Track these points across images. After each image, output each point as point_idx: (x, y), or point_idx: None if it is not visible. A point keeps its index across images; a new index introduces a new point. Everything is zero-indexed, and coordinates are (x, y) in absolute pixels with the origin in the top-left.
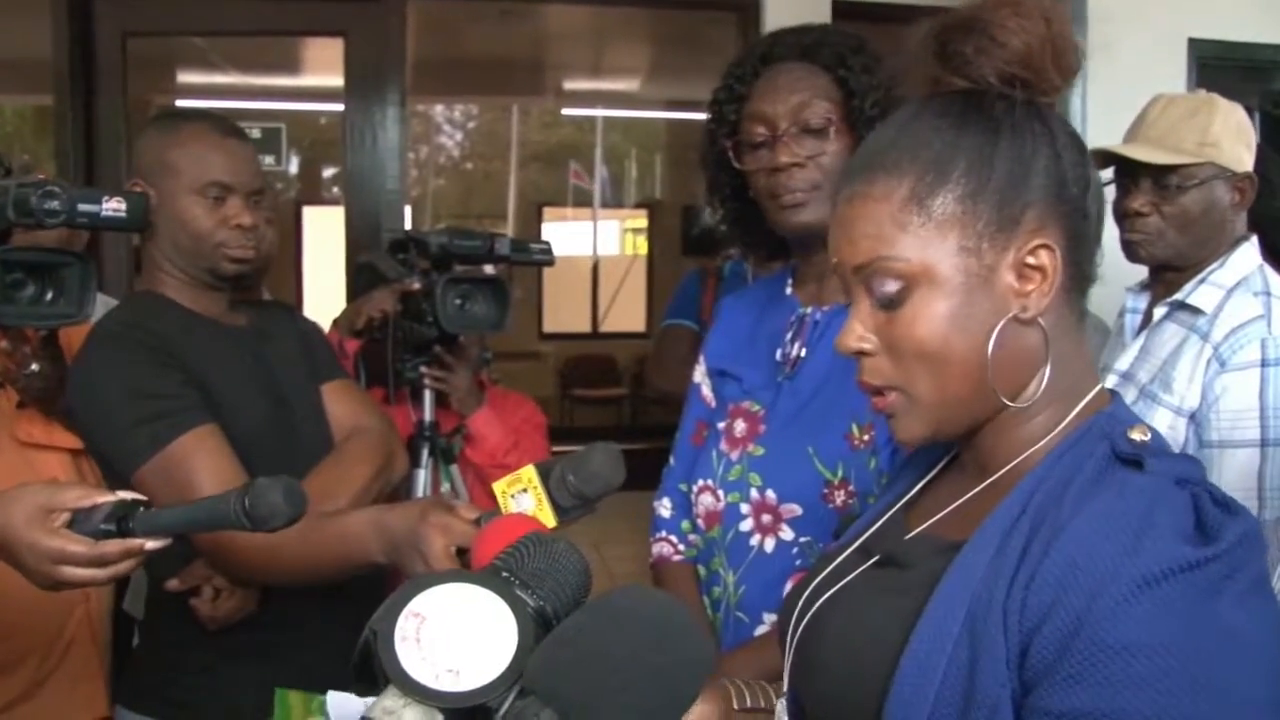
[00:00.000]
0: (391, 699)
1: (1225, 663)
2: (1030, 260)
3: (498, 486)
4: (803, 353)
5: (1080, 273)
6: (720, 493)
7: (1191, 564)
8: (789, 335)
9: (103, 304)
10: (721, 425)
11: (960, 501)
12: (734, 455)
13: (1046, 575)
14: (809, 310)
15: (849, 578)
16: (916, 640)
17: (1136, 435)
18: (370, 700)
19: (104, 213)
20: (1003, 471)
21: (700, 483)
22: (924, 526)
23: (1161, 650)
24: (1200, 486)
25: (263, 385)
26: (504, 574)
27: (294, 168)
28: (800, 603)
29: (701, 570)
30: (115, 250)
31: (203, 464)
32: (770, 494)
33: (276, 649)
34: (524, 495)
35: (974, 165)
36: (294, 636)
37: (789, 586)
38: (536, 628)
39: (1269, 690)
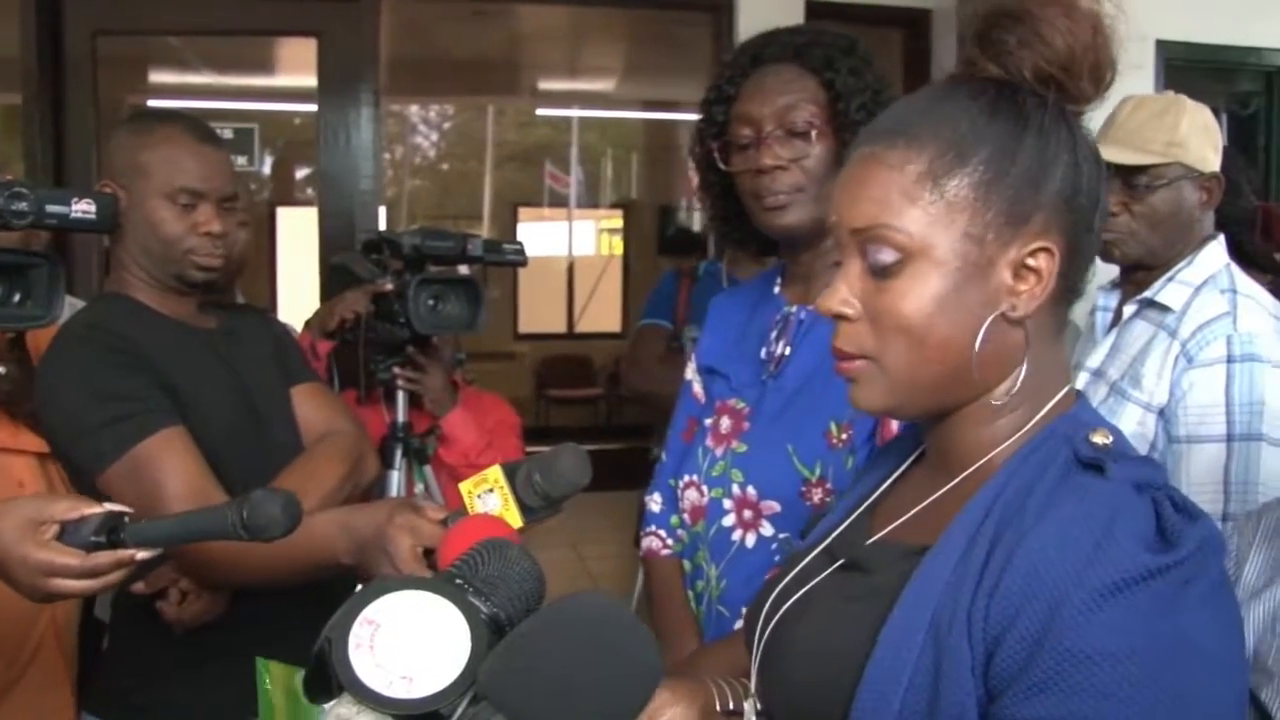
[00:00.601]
0: (346, 706)
1: (1186, 669)
2: (1029, 261)
3: (464, 486)
4: (787, 351)
5: (1071, 284)
6: (704, 488)
7: (1153, 571)
8: (774, 334)
9: (71, 307)
10: (709, 422)
11: (922, 505)
12: (718, 451)
13: (1010, 583)
14: (795, 309)
15: (814, 582)
16: (881, 647)
17: (1098, 438)
18: (326, 707)
19: (73, 214)
20: (966, 473)
21: (687, 478)
22: (887, 531)
23: (1124, 658)
24: (1161, 491)
25: (232, 388)
26: (458, 581)
27: (268, 168)
28: (766, 606)
29: (687, 564)
30: (85, 252)
31: (170, 466)
32: (751, 490)
33: (244, 650)
34: (490, 495)
35: (996, 155)
36: (262, 636)
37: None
38: (490, 634)
39: (1227, 693)
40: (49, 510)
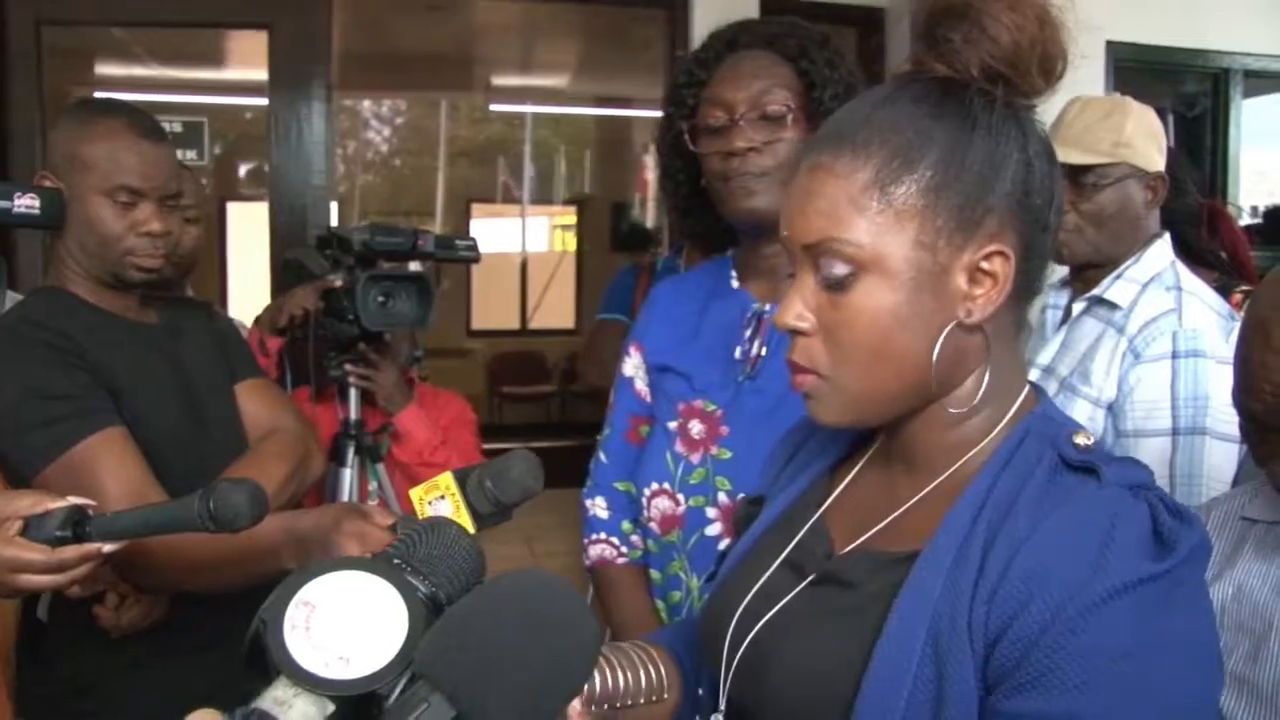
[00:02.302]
0: (282, 689)
1: (1175, 667)
2: (984, 265)
3: (414, 493)
4: (763, 352)
5: (1028, 283)
6: (680, 496)
7: (1153, 576)
8: (747, 333)
9: (13, 301)
10: (673, 425)
11: (897, 513)
12: (694, 458)
13: (1010, 587)
14: (766, 307)
15: (786, 600)
16: (879, 659)
17: (1081, 440)
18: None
19: (16, 209)
20: (942, 478)
21: (654, 486)
22: (861, 540)
23: (1118, 656)
24: (1155, 494)
25: (175, 385)
26: (395, 560)
27: (217, 163)
28: (733, 624)
29: (656, 574)
30: (29, 247)
31: (108, 467)
32: (742, 499)
33: (184, 652)
34: (441, 502)
35: (944, 158)
36: (201, 639)
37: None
38: (428, 614)
39: (1207, 690)
40: (12, 506)
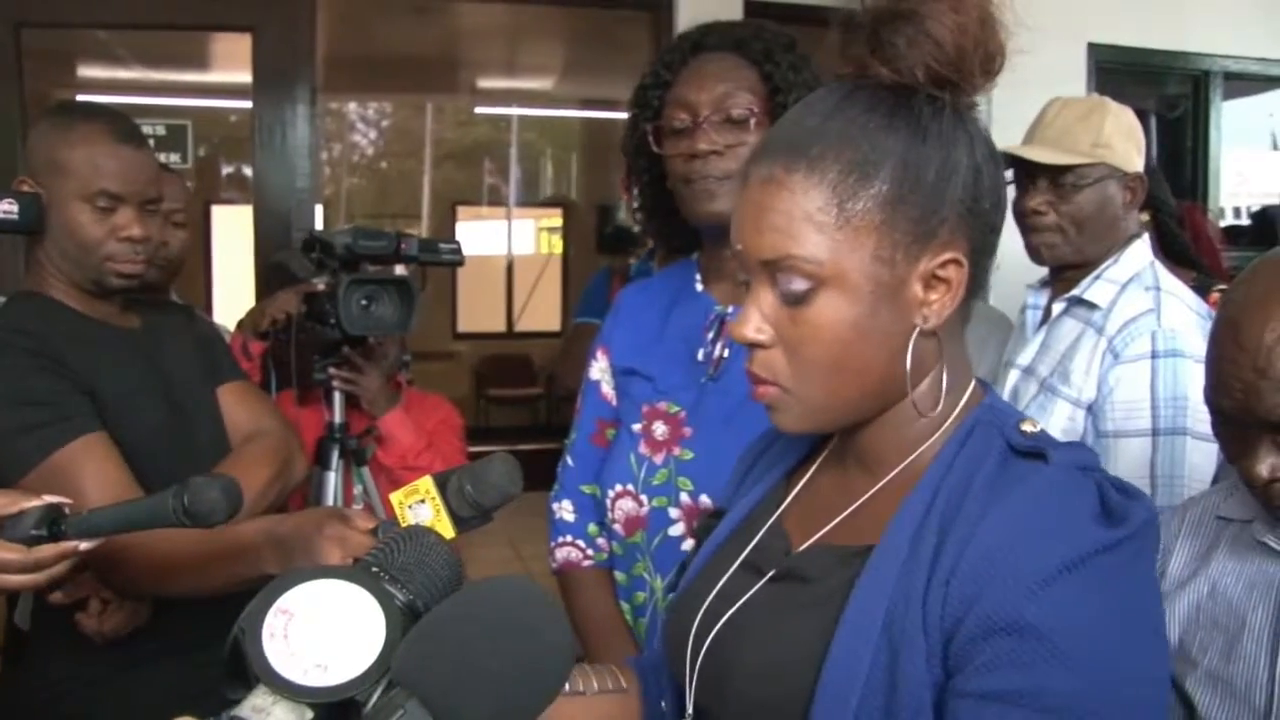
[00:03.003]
0: (261, 697)
1: (1136, 640)
2: (939, 273)
3: (394, 497)
4: (726, 354)
5: (977, 282)
6: (643, 498)
7: (1107, 546)
8: (710, 335)
9: None
10: (637, 427)
11: (853, 508)
12: (658, 459)
13: (966, 571)
14: (729, 309)
15: (745, 598)
16: (837, 648)
17: (1028, 427)
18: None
19: None
20: (895, 472)
21: (618, 487)
22: (818, 536)
23: (1076, 631)
24: (1100, 473)
25: (156, 389)
26: (374, 569)
27: (201, 165)
28: (695, 626)
29: (620, 576)
30: (13, 252)
31: (90, 473)
32: (704, 499)
33: (166, 659)
34: (421, 506)
35: (899, 172)
36: (182, 646)
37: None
38: (406, 621)
39: (1161, 661)
40: None
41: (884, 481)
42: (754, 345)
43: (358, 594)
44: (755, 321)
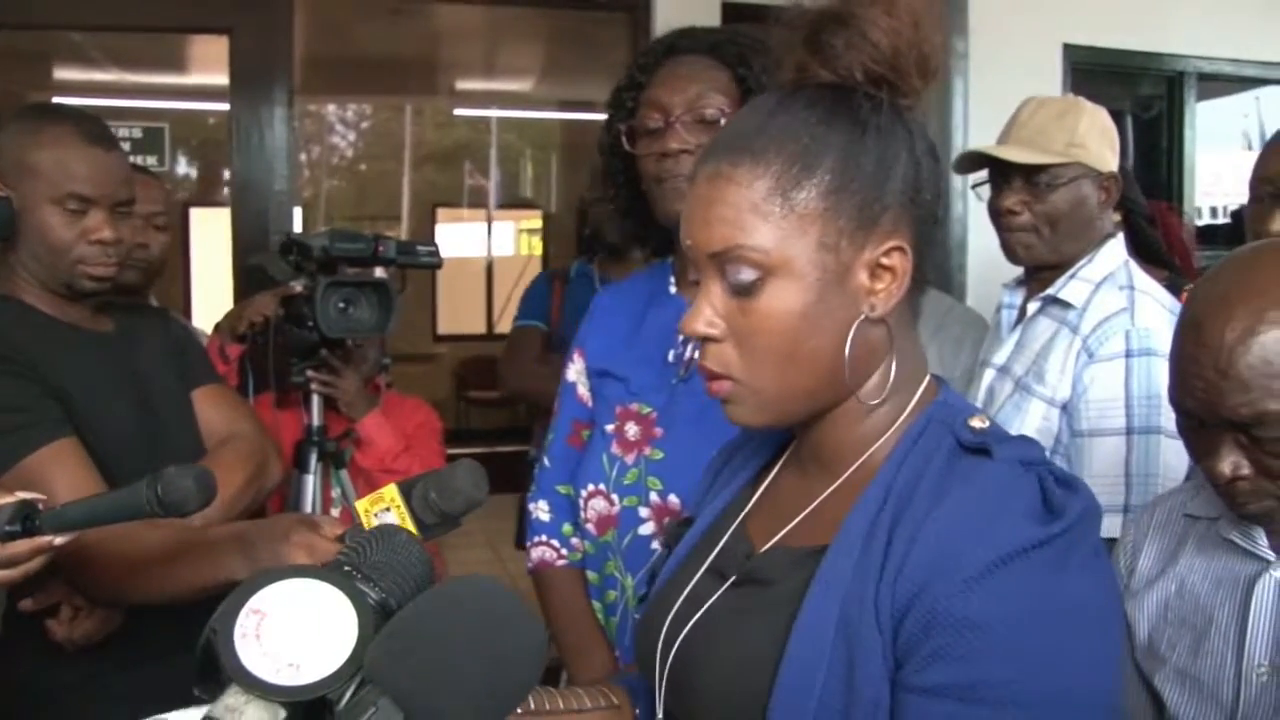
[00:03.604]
0: (233, 696)
1: (1073, 630)
2: (884, 261)
3: (360, 505)
4: (697, 355)
5: (923, 274)
6: (615, 497)
7: (1041, 541)
8: (680, 336)
9: None
10: (610, 428)
11: (810, 509)
12: (629, 459)
13: (912, 568)
14: None
15: (709, 603)
16: (794, 645)
17: (976, 423)
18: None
19: None
20: (850, 471)
21: (590, 487)
22: (776, 539)
23: (1015, 623)
24: (1044, 467)
25: (129, 393)
26: (346, 568)
27: (180, 168)
28: (663, 633)
29: (592, 575)
30: None
31: (61, 479)
32: (673, 498)
33: (138, 664)
34: (387, 514)
35: (840, 162)
36: (155, 651)
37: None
38: (378, 619)
39: (1108, 650)
40: None
41: (840, 481)
42: (705, 339)
43: (330, 593)
44: (706, 315)
